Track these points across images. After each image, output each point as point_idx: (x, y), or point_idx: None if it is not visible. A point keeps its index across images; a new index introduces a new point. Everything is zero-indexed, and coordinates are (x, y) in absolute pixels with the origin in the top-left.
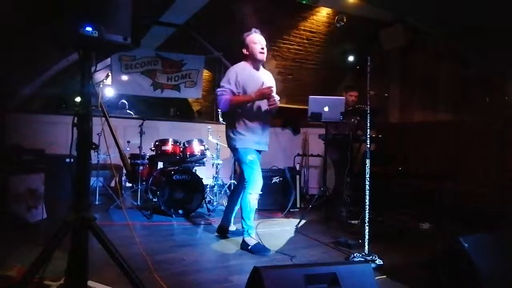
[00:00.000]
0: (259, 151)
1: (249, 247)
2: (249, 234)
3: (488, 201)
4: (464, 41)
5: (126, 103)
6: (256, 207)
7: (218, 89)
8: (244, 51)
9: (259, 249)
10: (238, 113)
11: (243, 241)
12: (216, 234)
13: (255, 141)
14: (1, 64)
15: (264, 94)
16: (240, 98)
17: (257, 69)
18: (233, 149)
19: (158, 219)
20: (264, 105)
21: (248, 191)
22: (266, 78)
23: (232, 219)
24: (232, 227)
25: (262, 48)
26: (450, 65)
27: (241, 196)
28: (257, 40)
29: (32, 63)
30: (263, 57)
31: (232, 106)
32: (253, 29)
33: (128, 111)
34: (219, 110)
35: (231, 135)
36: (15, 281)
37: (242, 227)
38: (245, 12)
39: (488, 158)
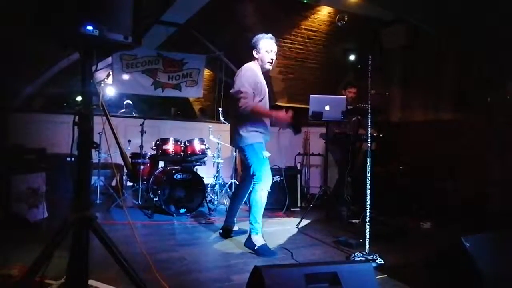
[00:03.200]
0: None
1: (255, 247)
2: (257, 233)
3: (490, 201)
4: (464, 40)
5: (131, 103)
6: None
7: (239, 93)
8: (254, 53)
9: (265, 251)
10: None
11: (249, 239)
12: (219, 235)
13: (264, 137)
14: (3, 63)
15: (285, 120)
16: (262, 111)
17: (263, 72)
18: (245, 146)
19: (159, 218)
20: (267, 102)
21: (260, 187)
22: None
23: (235, 219)
24: (235, 227)
25: (272, 60)
26: (451, 64)
27: (247, 194)
28: (270, 49)
29: (33, 63)
30: (270, 67)
31: (253, 114)
32: (269, 35)
33: (133, 113)
34: (237, 109)
35: (243, 133)
36: (17, 280)
37: (251, 224)
38: (246, 11)
39: (489, 157)
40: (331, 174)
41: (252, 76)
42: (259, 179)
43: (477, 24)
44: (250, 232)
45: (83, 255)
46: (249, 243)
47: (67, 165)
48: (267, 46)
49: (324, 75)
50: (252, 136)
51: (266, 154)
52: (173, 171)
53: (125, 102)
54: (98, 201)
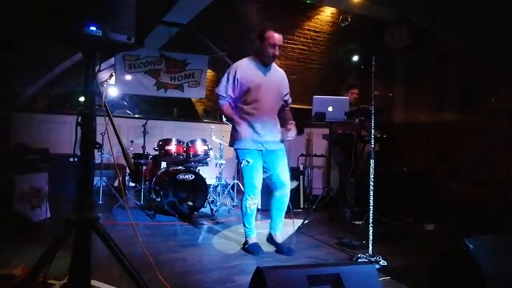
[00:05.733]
0: (272, 151)
1: (246, 246)
2: (249, 235)
3: (494, 202)
4: (466, 40)
5: (126, 102)
6: (255, 210)
7: (217, 92)
8: (258, 42)
9: (252, 249)
10: (238, 108)
11: (245, 241)
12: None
13: (255, 140)
14: (6, 64)
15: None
16: (225, 114)
17: (265, 64)
18: (235, 149)
19: (161, 219)
20: (268, 101)
21: (245, 195)
22: (273, 76)
23: (275, 225)
24: (278, 237)
25: (274, 55)
26: (455, 64)
27: (275, 198)
28: (274, 43)
29: (36, 63)
30: (270, 61)
31: (223, 115)
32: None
33: (127, 110)
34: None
35: (231, 132)
36: (19, 280)
37: (243, 228)
38: (249, 12)
39: (494, 158)
40: (334, 175)
41: (231, 74)
42: (244, 187)
43: (479, 23)
44: (244, 235)
45: (86, 256)
46: (244, 244)
47: (70, 165)
48: (273, 40)
49: (327, 76)
50: (237, 140)
51: (248, 160)
52: (176, 172)
53: (119, 102)
54: (100, 202)
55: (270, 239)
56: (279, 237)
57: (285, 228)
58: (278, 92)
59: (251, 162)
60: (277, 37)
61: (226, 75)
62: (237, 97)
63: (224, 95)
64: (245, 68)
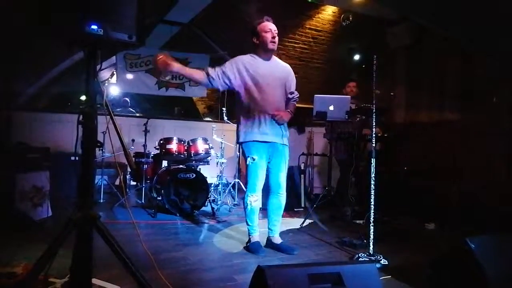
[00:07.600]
0: (272, 144)
1: (248, 244)
2: (251, 234)
3: (495, 202)
4: (467, 39)
5: (128, 100)
6: (258, 207)
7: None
8: (254, 40)
9: (254, 248)
10: (243, 102)
11: (248, 240)
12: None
13: (261, 131)
14: (7, 63)
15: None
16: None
17: (268, 59)
18: (239, 145)
19: (162, 218)
20: (273, 93)
21: (247, 192)
22: (278, 69)
23: (272, 227)
24: (276, 239)
25: (274, 37)
26: (457, 64)
27: (269, 200)
28: (268, 29)
29: (37, 62)
30: (274, 46)
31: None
32: (265, 17)
33: (130, 109)
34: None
35: (237, 129)
36: (21, 278)
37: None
38: (250, 11)
39: (495, 158)
40: (335, 174)
41: (231, 62)
42: (247, 184)
43: (481, 23)
44: (247, 233)
45: (87, 254)
46: (246, 243)
47: (71, 164)
48: (264, 27)
49: (329, 75)
50: (242, 133)
51: (253, 157)
52: (177, 171)
53: (122, 100)
54: (101, 200)
55: (270, 243)
56: (278, 239)
57: (287, 227)
58: (282, 85)
59: (256, 159)
60: (267, 23)
61: (229, 62)
62: (241, 91)
63: (214, 71)
64: (250, 62)
